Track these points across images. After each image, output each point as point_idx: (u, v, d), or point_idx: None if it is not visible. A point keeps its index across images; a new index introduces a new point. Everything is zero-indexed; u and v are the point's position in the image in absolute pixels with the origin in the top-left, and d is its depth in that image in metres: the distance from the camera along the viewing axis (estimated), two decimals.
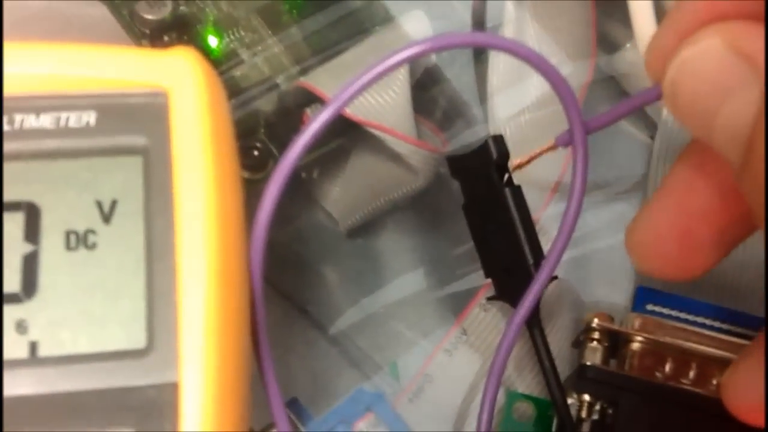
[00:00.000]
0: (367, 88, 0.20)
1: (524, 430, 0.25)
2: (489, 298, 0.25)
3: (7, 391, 0.17)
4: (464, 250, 0.26)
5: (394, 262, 0.29)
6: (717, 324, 0.24)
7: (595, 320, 0.24)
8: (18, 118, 0.19)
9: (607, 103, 0.32)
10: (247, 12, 0.30)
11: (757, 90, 0.16)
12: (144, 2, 0.28)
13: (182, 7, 0.29)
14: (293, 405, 0.24)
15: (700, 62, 0.17)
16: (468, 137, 0.29)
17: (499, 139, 0.25)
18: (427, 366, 0.26)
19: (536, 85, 0.30)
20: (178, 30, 0.29)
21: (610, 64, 0.32)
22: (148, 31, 0.29)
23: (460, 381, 0.26)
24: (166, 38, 0.29)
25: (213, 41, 0.29)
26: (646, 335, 0.24)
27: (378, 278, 0.28)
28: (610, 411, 0.24)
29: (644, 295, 0.25)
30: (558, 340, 0.26)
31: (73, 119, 0.19)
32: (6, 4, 0.28)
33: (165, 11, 0.29)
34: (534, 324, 0.23)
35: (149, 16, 0.28)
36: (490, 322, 0.27)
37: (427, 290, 0.28)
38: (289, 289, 0.28)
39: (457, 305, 0.27)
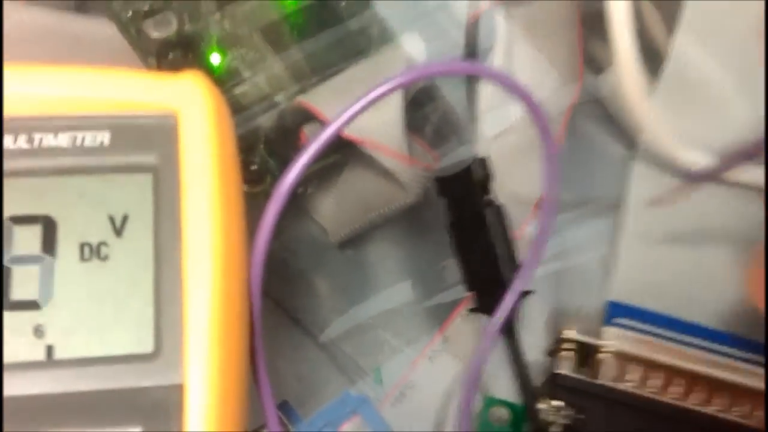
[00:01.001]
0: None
1: None
2: (470, 310, 0.26)
3: (26, 390, 0.18)
4: (449, 263, 0.27)
5: (382, 274, 0.30)
6: (679, 336, 0.26)
7: (567, 332, 0.26)
8: (37, 136, 0.20)
9: (595, 124, 0.33)
10: (250, 31, 0.31)
11: None
12: (150, 21, 0.30)
13: (187, 26, 0.30)
14: (283, 407, 0.25)
15: None
16: (461, 154, 0.30)
17: (481, 162, 0.27)
18: (410, 372, 0.28)
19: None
20: (183, 48, 0.30)
21: (595, 85, 0.33)
22: (154, 49, 0.30)
23: (441, 387, 0.28)
24: (171, 55, 0.30)
25: (216, 59, 0.30)
26: (614, 347, 0.25)
27: (366, 288, 0.30)
28: (579, 416, 0.25)
29: (614, 309, 0.27)
30: (535, 349, 0.27)
31: (89, 138, 0.21)
32: (16, 20, 0.29)
33: (170, 30, 0.30)
34: (509, 333, 0.25)
35: (155, 35, 0.30)
36: (470, 332, 0.28)
37: (412, 301, 0.29)
38: (280, 297, 0.29)
39: (441, 315, 0.29)
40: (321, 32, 0.31)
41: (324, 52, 0.31)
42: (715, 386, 0.25)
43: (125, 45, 0.30)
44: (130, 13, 0.30)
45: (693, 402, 0.25)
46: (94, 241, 0.20)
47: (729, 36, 0.30)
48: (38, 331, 0.19)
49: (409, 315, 0.29)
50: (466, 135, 0.31)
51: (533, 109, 0.24)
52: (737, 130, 0.31)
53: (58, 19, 0.30)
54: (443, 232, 0.27)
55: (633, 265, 0.29)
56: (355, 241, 0.30)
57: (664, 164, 0.30)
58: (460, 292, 0.27)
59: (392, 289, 0.29)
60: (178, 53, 0.30)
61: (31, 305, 0.19)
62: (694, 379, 0.26)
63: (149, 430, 0.18)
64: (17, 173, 0.20)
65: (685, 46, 0.30)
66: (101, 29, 0.30)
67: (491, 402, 0.27)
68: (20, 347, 0.19)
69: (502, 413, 0.26)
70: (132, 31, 0.30)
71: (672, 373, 0.25)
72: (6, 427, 0.18)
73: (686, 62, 0.30)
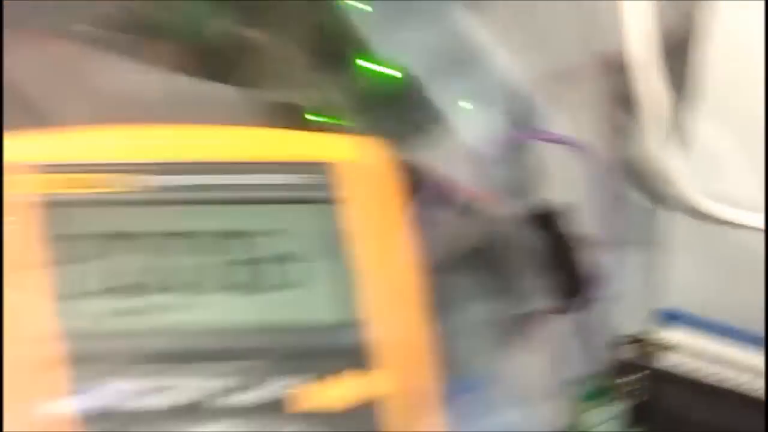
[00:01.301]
0: None
1: (587, 407, 0.34)
2: (548, 312, 0.34)
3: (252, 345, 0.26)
4: (526, 279, 0.35)
5: (472, 290, 0.35)
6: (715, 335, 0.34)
7: (633, 331, 0.33)
8: (239, 177, 0.28)
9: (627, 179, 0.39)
10: (339, 99, 0.36)
11: None
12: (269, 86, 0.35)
13: (289, 93, 0.36)
14: None
15: None
16: (535, 200, 0.36)
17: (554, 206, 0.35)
18: (500, 368, 0.34)
19: None
20: (289, 112, 0.35)
21: (624, 148, 0.39)
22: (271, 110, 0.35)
23: (530, 376, 0.34)
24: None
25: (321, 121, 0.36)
26: (670, 341, 0.33)
27: (460, 304, 0.35)
28: (646, 390, 0.33)
29: (667, 315, 0.34)
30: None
31: (275, 179, 0.28)
32: (161, 84, 0.34)
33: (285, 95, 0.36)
34: (586, 328, 0.33)
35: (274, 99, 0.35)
36: (550, 332, 0.35)
37: (498, 311, 0.35)
38: None
39: (524, 322, 0.35)
40: (388, 106, 0.37)
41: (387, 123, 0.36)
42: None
43: (241, 107, 0.35)
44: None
45: (730, 382, 0.33)
46: (288, 251, 0.27)
47: (739, 113, 0.38)
48: (272, 306, 0.26)
49: (495, 324, 0.35)
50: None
51: (595, 166, 0.31)
52: (742, 186, 0.38)
53: (188, 84, 0.35)
54: (517, 257, 0.34)
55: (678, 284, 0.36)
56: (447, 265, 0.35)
57: (690, 211, 0.38)
58: (539, 301, 0.34)
59: (481, 302, 0.35)
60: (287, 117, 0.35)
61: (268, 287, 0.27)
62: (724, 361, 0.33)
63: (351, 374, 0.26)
64: (231, 201, 0.27)
65: (703, 123, 0.37)
66: (222, 93, 0.35)
67: (581, 379, 0.34)
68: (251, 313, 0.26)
69: (590, 388, 0.33)
70: (254, 96, 0.34)
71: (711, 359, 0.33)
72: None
73: (705, 135, 0.38)
